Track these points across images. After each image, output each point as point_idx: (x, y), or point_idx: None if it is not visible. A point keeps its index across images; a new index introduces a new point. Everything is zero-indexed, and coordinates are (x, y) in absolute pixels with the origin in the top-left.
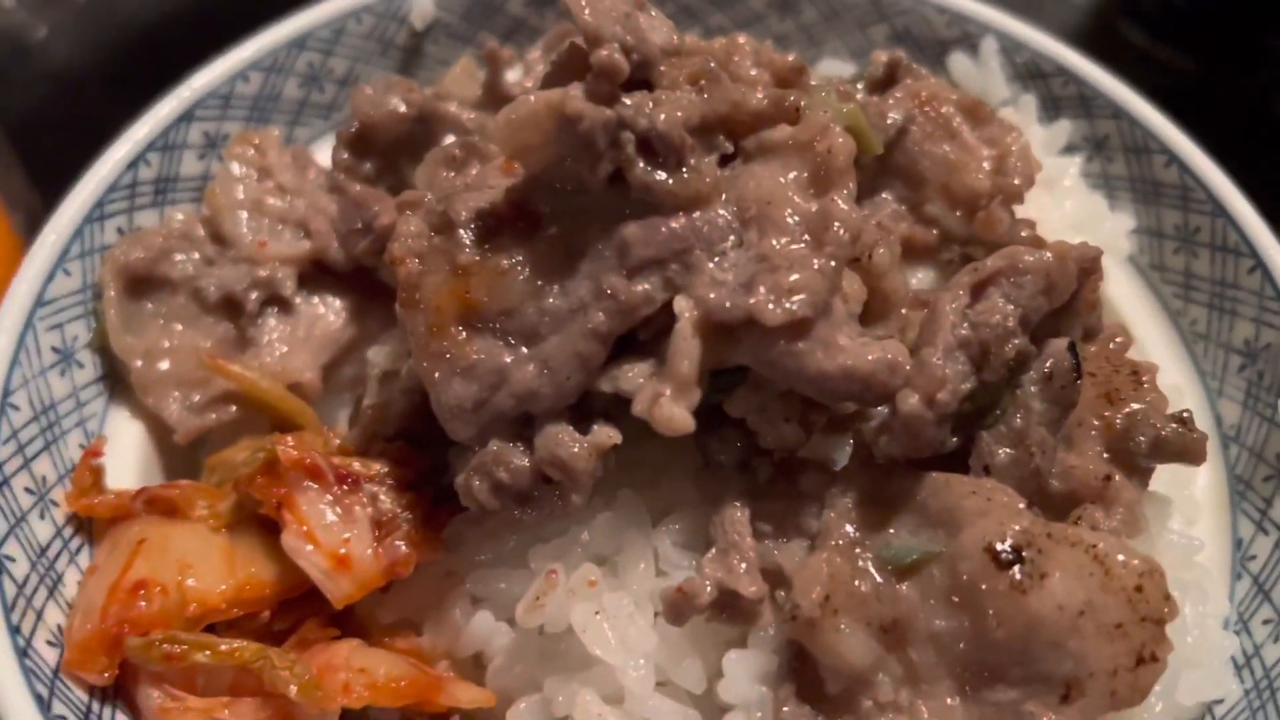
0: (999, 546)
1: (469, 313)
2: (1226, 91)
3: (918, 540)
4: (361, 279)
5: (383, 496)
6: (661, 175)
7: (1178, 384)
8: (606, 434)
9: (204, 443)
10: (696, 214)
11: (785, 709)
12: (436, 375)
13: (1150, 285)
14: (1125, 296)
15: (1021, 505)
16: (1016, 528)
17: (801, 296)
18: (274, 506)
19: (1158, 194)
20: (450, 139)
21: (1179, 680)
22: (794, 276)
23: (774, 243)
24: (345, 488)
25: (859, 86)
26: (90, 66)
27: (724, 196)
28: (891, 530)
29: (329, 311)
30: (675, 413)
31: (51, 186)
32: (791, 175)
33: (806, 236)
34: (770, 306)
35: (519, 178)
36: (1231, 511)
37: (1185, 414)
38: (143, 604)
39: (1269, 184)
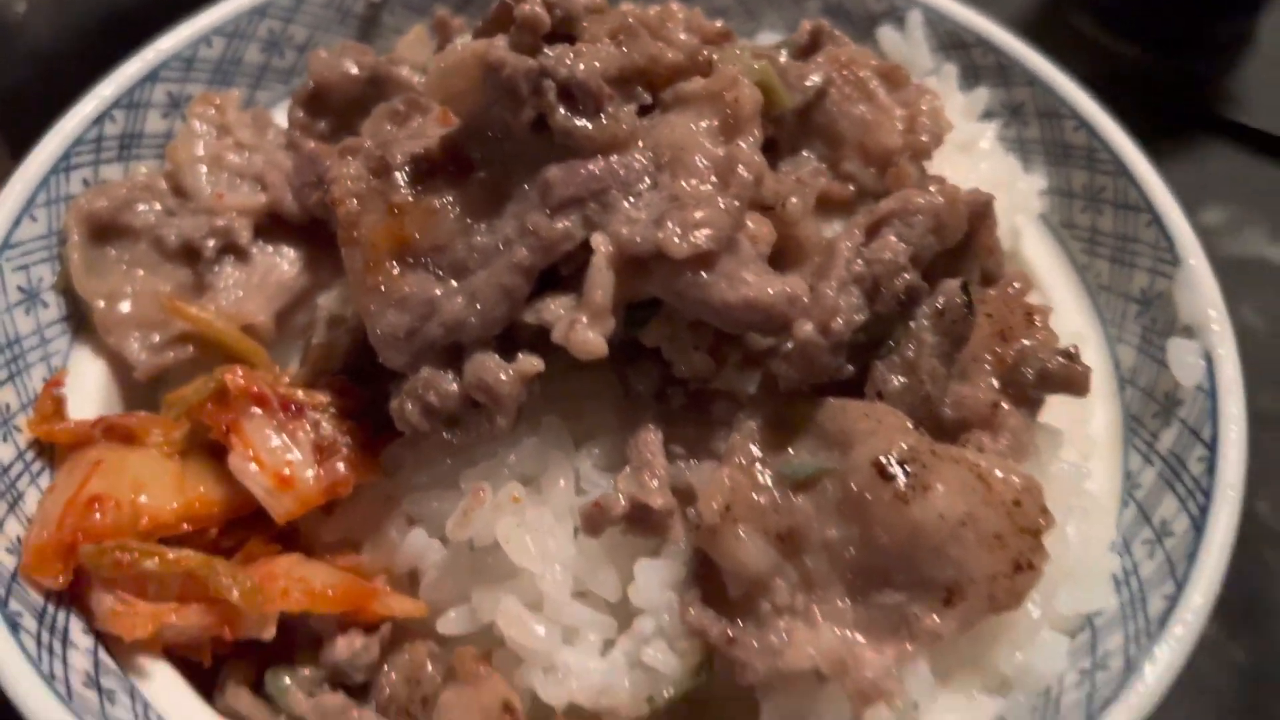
0: (885, 460)
1: (403, 249)
2: (1172, 78)
3: (815, 459)
4: (315, 231)
5: (324, 423)
6: (581, 121)
7: (1081, 331)
8: (530, 362)
9: (163, 382)
10: (614, 157)
11: (690, 610)
12: (372, 307)
13: (1060, 241)
14: (1037, 252)
15: (909, 425)
16: (904, 445)
17: (706, 231)
18: (222, 431)
19: (1067, 156)
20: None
21: (1059, 591)
22: (700, 213)
23: (684, 184)
24: (289, 414)
25: (783, 51)
26: (69, 44)
27: (641, 143)
28: (791, 451)
29: (283, 261)
30: (589, 337)
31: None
32: (703, 124)
33: (714, 178)
34: (677, 240)
35: (453, 127)
36: (1124, 447)
37: (1072, 348)
38: (97, 515)
39: (1211, 166)
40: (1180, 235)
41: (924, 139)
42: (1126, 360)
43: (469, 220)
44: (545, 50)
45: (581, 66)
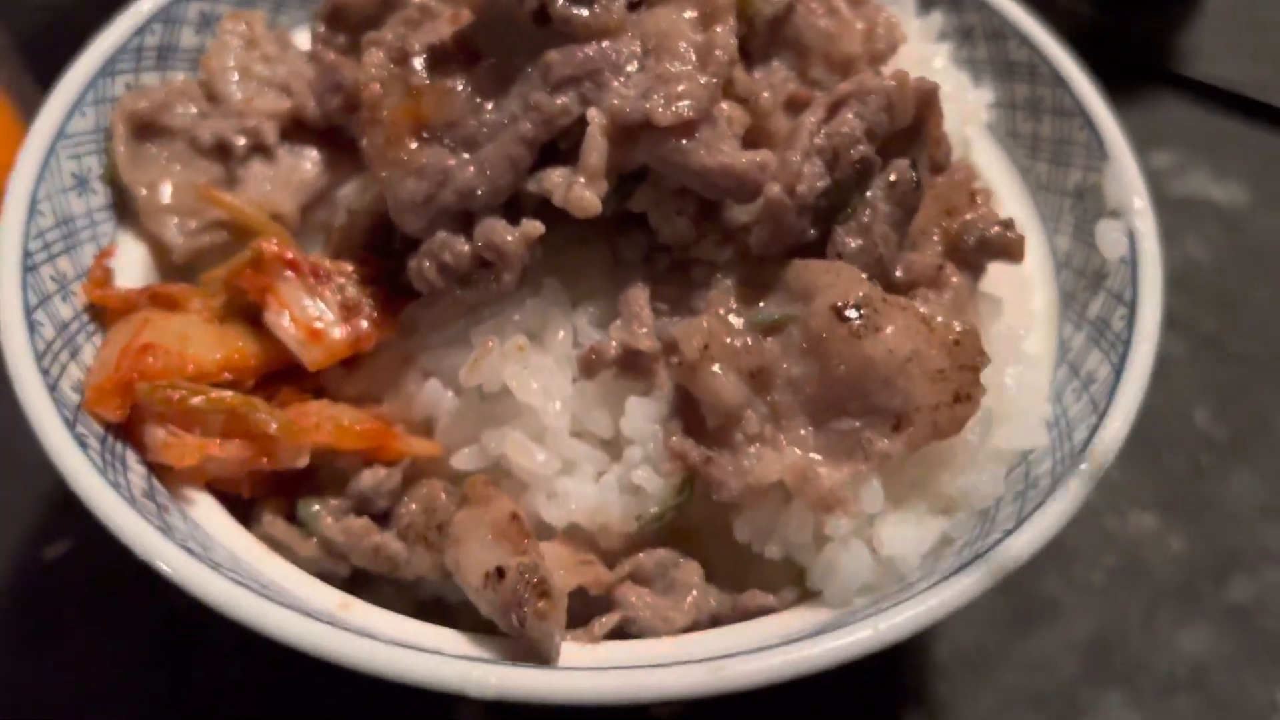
0: (840, 304)
1: (420, 126)
2: (1125, 37)
3: (782, 309)
4: (335, 136)
5: (349, 287)
6: (578, 10)
7: (1024, 223)
8: (534, 225)
9: (197, 265)
10: (606, 43)
11: (673, 439)
12: (392, 178)
13: (1005, 149)
14: (985, 159)
15: (864, 278)
16: (859, 293)
17: (688, 102)
18: (259, 293)
19: (1011, 72)
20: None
21: (997, 431)
22: (681, 86)
23: (668, 65)
24: (318, 279)
25: None
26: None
27: (630, 32)
28: (761, 305)
29: (305, 160)
30: (586, 195)
31: None
32: (685, 14)
33: (694, 60)
34: (661, 109)
35: (464, 23)
36: (1060, 320)
37: (1008, 219)
38: (150, 359)
39: (1160, 115)
40: (1108, 134)
41: (880, 46)
42: (1062, 247)
43: (479, 100)
44: None
45: None
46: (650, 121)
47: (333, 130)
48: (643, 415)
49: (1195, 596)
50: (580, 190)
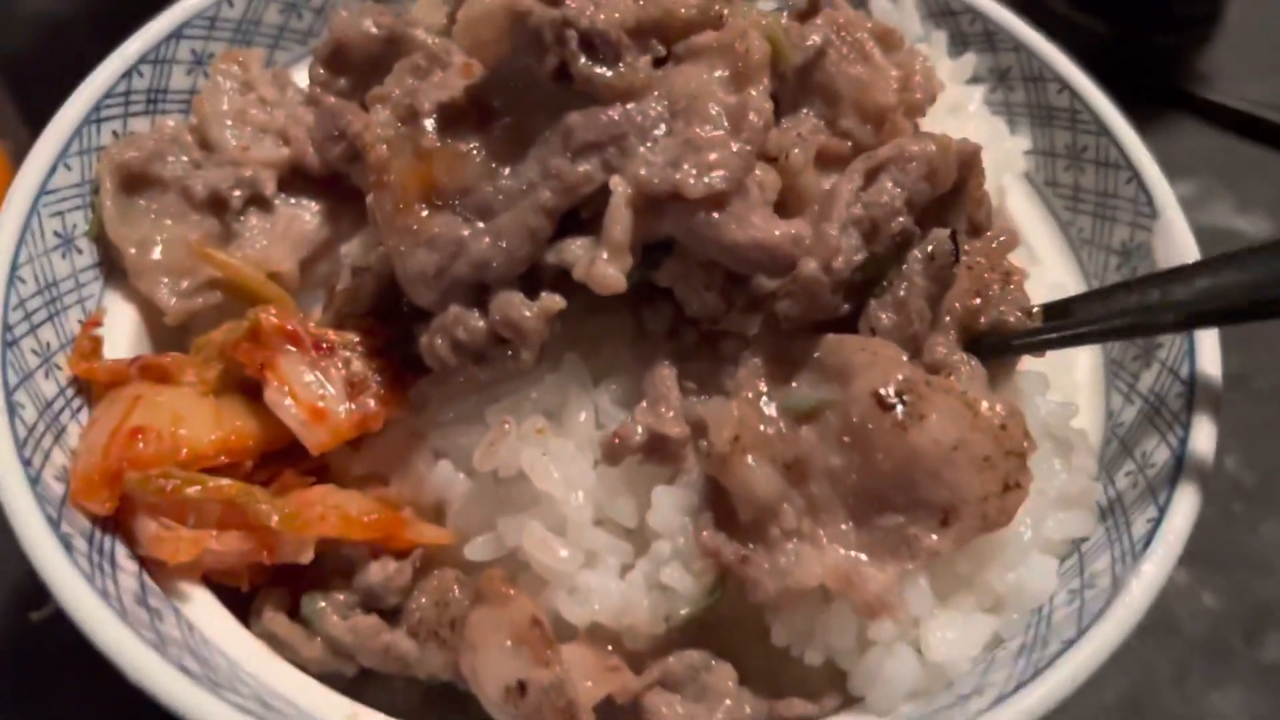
0: (884, 392)
1: (431, 192)
2: (1141, 56)
3: (816, 391)
4: (336, 185)
5: (355, 361)
6: (601, 70)
7: (1065, 283)
8: (553, 300)
9: (190, 327)
10: (631, 105)
11: (704, 534)
12: (402, 247)
13: (1044, 199)
14: (1022, 209)
15: (904, 358)
16: (900, 376)
17: (720, 173)
18: (258, 368)
19: (1051, 117)
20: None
21: (1048, 518)
22: (713, 155)
23: (698, 130)
24: (321, 352)
25: (783, 14)
26: (78, 7)
27: (656, 92)
28: (794, 384)
29: (305, 212)
30: (609, 273)
31: (36, 124)
32: (715, 74)
33: (726, 124)
34: (692, 181)
35: (477, 78)
36: (1106, 389)
37: (1032, 307)
38: (140, 446)
39: (1180, 141)
40: (1158, 190)
41: (918, 96)
42: None
43: (494, 164)
44: (568, 2)
45: (602, 17)
46: (679, 193)
47: (334, 179)
48: (671, 506)
49: (1228, 655)
50: (603, 266)
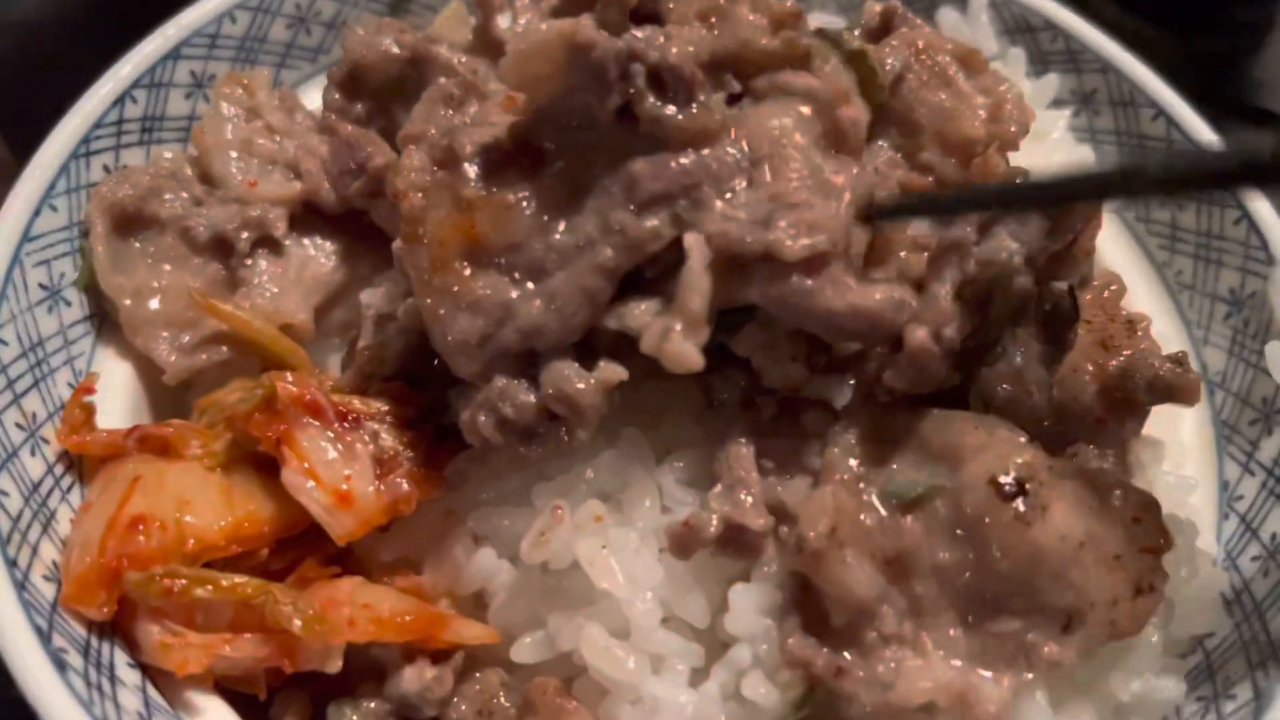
0: (1002, 479)
1: (474, 248)
2: (1192, 62)
3: (921, 474)
4: (353, 221)
5: (384, 434)
6: (671, 110)
7: (1164, 331)
8: (613, 370)
9: (193, 385)
10: (706, 150)
11: (791, 640)
12: (441, 311)
13: (1136, 237)
14: (1112, 248)
15: (1023, 439)
16: (1019, 460)
17: (821, 236)
18: (273, 443)
19: (1143, 147)
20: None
21: (1173, 613)
22: (812, 213)
23: (788, 184)
24: (346, 425)
25: (856, 34)
26: (52, 14)
27: (733, 135)
28: (894, 465)
29: (320, 254)
30: (685, 349)
31: (13, 133)
32: (799, 109)
33: (816, 182)
34: (789, 242)
35: (521, 114)
36: (1218, 455)
37: (1180, 355)
38: (141, 539)
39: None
40: (1273, 233)
41: (1011, 129)
42: (1215, 363)
43: (545, 217)
44: (633, 31)
45: (674, 50)
46: (773, 254)
47: (351, 215)
48: (751, 607)
49: None
50: (679, 343)
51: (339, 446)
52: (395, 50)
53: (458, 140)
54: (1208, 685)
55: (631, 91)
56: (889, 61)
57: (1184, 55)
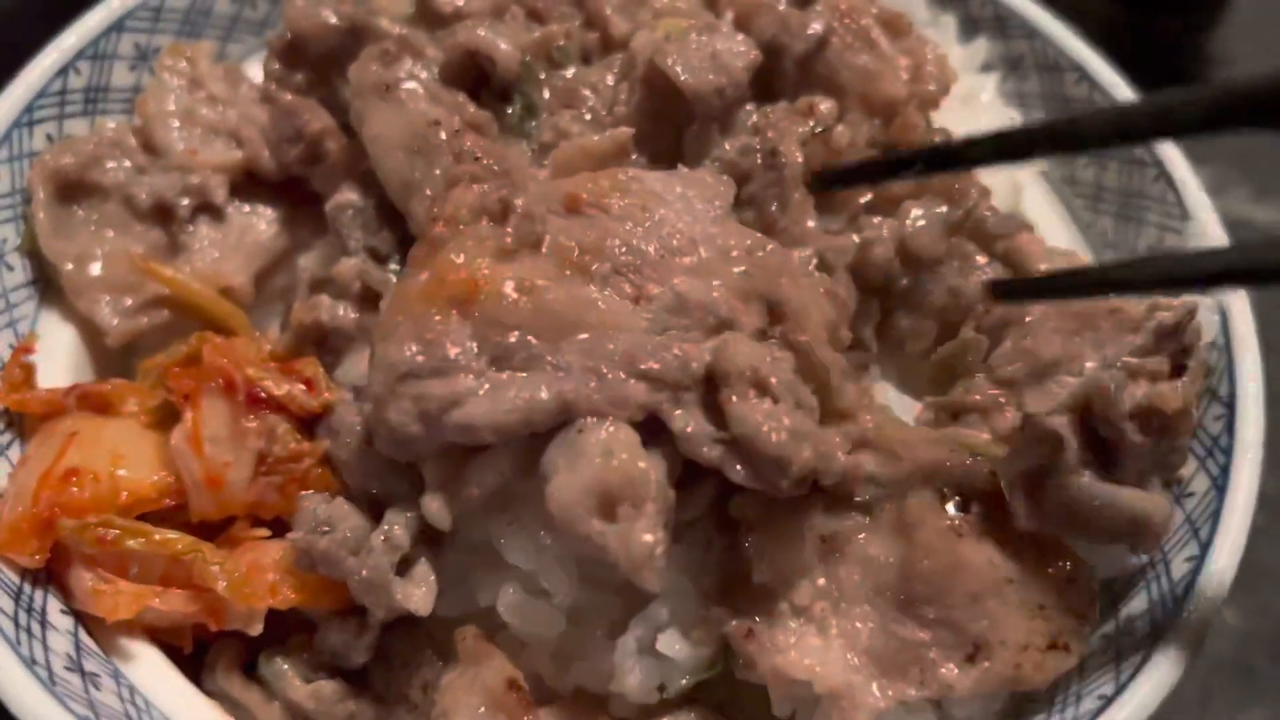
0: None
1: (468, 302)
2: (1150, 38)
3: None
4: (294, 189)
5: (280, 433)
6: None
7: None
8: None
9: (136, 349)
10: None
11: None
12: (402, 332)
13: (1063, 199)
14: (1039, 209)
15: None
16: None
17: None
18: (180, 397)
19: (1069, 110)
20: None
21: None
22: None
23: None
24: (252, 406)
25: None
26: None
27: None
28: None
29: (260, 220)
30: None
31: None
32: None
33: None
34: None
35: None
36: None
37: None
38: (75, 490)
39: None
40: (1187, 188)
41: (931, 88)
42: None
43: (549, 320)
44: None
45: None
46: None
47: (291, 183)
48: (671, 564)
49: (1253, 675)
50: None
51: (233, 428)
52: (333, 20)
53: (532, 208)
54: (1111, 624)
55: None
56: (812, 26)
57: (1140, 31)
